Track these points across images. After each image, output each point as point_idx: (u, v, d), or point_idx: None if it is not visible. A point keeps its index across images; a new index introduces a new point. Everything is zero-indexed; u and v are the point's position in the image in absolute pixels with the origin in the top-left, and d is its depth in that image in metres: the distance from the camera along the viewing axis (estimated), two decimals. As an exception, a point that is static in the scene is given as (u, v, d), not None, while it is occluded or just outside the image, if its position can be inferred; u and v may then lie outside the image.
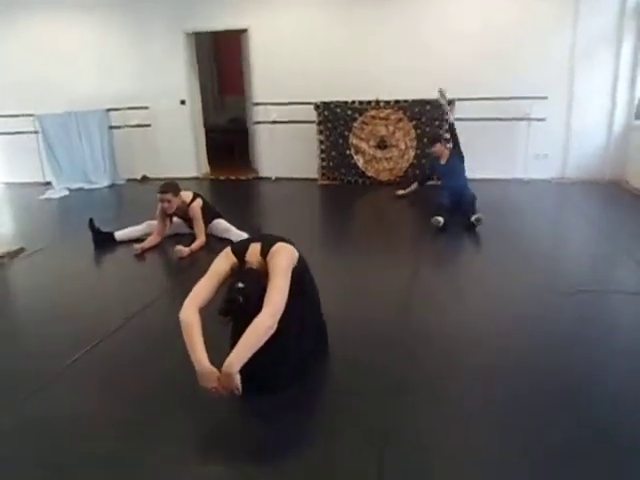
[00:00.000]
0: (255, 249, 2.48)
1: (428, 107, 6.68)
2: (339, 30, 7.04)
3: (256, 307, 2.24)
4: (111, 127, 7.86)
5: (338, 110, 6.97)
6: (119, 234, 4.90)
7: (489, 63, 6.65)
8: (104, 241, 4.83)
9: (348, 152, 7.09)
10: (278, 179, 7.60)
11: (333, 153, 7.16)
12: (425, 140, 6.70)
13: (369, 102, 6.88)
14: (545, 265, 3.98)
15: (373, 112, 6.88)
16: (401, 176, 6.96)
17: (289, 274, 2.37)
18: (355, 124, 6.96)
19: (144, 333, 3.09)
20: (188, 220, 4.83)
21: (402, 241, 4.86)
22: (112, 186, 7.85)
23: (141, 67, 7.66)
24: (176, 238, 4.80)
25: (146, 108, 7.70)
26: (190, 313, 2.30)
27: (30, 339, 3.10)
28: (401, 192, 6.20)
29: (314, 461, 1.98)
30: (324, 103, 7.00)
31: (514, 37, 6.55)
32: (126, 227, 4.93)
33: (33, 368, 2.68)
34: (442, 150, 5.66)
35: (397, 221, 5.63)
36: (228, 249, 2.55)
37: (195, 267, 4.13)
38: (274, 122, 7.34)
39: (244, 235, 4.57)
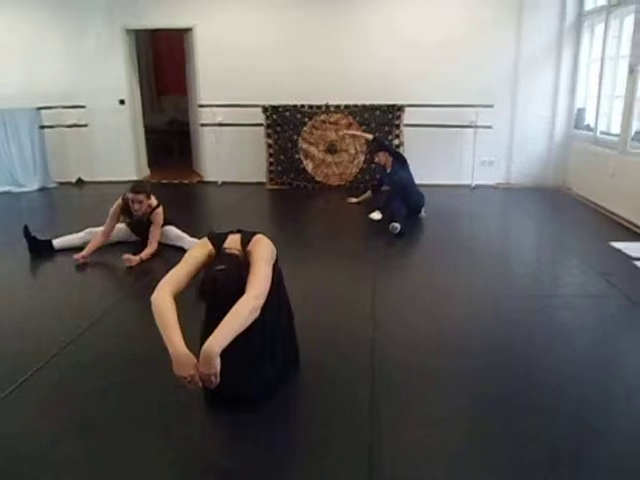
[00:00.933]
0: (234, 239, 2.38)
1: (377, 112, 6.69)
2: (288, 33, 6.92)
3: (235, 294, 2.11)
4: (42, 127, 7.33)
5: (287, 114, 6.84)
6: (57, 242, 4.52)
7: (437, 71, 6.74)
8: (41, 250, 4.45)
9: (297, 156, 6.97)
10: (224, 183, 7.34)
11: (282, 157, 7.01)
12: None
13: (319, 106, 6.79)
14: (497, 269, 4.05)
15: (323, 116, 6.80)
16: (351, 181, 6.93)
17: (271, 265, 2.28)
18: (305, 128, 6.86)
19: (96, 350, 2.83)
20: (142, 225, 4.55)
21: (356, 246, 4.80)
22: (43, 190, 7.31)
23: (76, 64, 7.21)
24: (120, 246, 4.50)
25: (82, 107, 7.25)
26: (164, 294, 2.14)
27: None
28: (354, 200, 6.14)
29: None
30: (272, 106, 6.84)
31: (462, 47, 6.66)
32: (62, 234, 4.55)
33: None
34: (386, 159, 5.65)
35: (349, 226, 5.58)
36: (204, 238, 2.42)
37: (146, 278, 3.88)
38: (220, 124, 7.09)
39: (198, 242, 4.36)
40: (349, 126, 6.77)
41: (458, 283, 3.77)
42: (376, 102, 6.66)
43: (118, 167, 7.49)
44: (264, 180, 7.14)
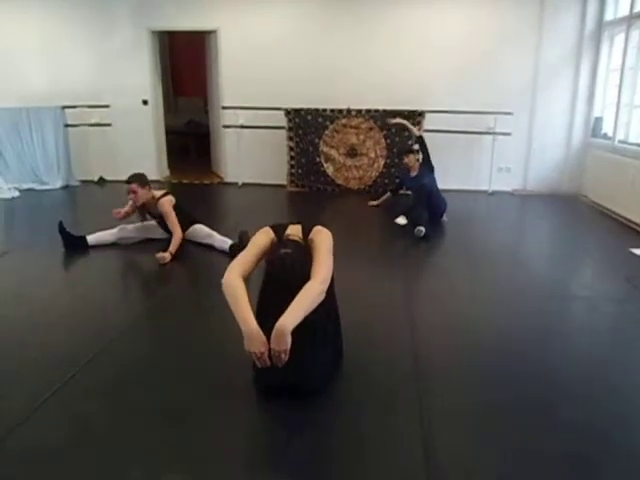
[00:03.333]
0: (296, 228, 2.53)
1: (398, 118, 6.80)
2: (312, 37, 7.05)
3: (298, 276, 2.24)
4: (67, 125, 7.46)
5: (309, 117, 6.95)
6: (91, 238, 4.64)
7: (458, 78, 6.87)
8: (76, 246, 4.56)
9: (318, 159, 7.08)
10: (245, 185, 7.46)
11: (303, 160, 7.13)
12: (395, 150, 6.83)
13: (340, 110, 6.90)
14: (520, 272, 4.20)
15: (344, 120, 6.91)
16: (370, 185, 7.03)
17: (332, 254, 2.41)
18: (326, 132, 6.97)
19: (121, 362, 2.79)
20: (160, 218, 4.64)
21: (380, 247, 4.94)
22: (66, 187, 7.42)
23: (101, 64, 7.35)
24: (153, 244, 4.62)
25: (106, 107, 7.36)
26: (234, 276, 2.28)
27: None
28: (374, 203, 6.24)
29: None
30: (295, 110, 6.96)
31: (483, 54, 6.80)
32: (86, 231, 4.63)
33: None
34: (414, 162, 5.74)
35: (371, 228, 5.69)
36: (266, 227, 2.56)
37: (177, 277, 4.01)
38: (242, 127, 7.21)
39: (227, 240, 4.48)
40: (370, 130, 6.89)
41: (484, 285, 3.88)
42: (397, 107, 6.78)
43: (139, 167, 7.32)
44: (284, 182, 7.25)
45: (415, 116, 6.76)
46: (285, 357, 2.12)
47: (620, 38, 6.24)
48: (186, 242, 4.64)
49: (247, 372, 2.42)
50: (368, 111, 6.86)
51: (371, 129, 6.89)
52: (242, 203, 6.83)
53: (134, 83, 7.37)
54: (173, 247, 4.37)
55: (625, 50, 5.91)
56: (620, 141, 6.00)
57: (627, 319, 3.37)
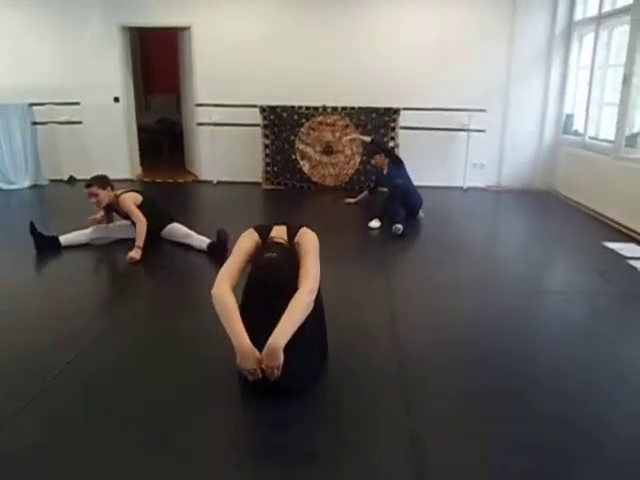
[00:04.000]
0: (280, 229, 2.49)
1: (374, 115, 6.82)
2: (287, 34, 7.00)
3: (284, 280, 2.23)
4: (35, 123, 7.25)
5: (285, 114, 6.92)
6: (64, 238, 4.50)
7: (433, 76, 6.92)
8: (48, 247, 4.42)
9: (294, 157, 7.05)
10: (220, 183, 7.38)
11: (278, 157, 7.08)
12: (371, 147, 6.83)
13: (316, 108, 6.89)
14: (495, 267, 4.27)
15: (320, 118, 6.90)
16: (347, 182, 7.04)
17: (318, 259, 2.39)
18: (302, 129, 6.94)
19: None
20: (128, 217, 4.53)
21: (356, 246, 4.91)
22: (34, 187, 7.22)
23: (71, 60, 7.16)
24: (128, 244, 4.51)
25: (77, 104, 7.17)
26: (225, 288, 2.24)
27: None
28: (351, 200, 6.25)
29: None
30: (270, 107, 6.91)
31: (456, 53, 6.87)
32: (57, 232, 4.48)
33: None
34: (382, 161, 5.80)
35: (349, 227, 5.67)
36: (250, 229, 2.52)
37: (155, 277, 3.93)
38: (216, 124, 7.12)
39: (205, 240, 4.42)
40: (346, 127, 6.89)
41: (461, 280, 3.91)
42: (373, 105, 6.80)
43: (111, 165, 7.32)
44: (260, 180, 7.20)
45: (391, 114, 6.81)
46: (278, 372, 2.11)
47: (589, 37, 6.38)
48: (163, 241, 4.59)
49: (230, 371, 2.38)
50: (344, 108, 6.86)
51: (347, 126, 6.88)
52: (218, 201, 6.75)
53: (105, 80, 7.21)
54: (139, 240, 4.28)
55: (595, 49, 6.04)
56: (591, 137, 6.14)
57: (600, 313, 3.44)
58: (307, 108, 6.90)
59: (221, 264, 4.24)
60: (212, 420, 2.19)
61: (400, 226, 4.91)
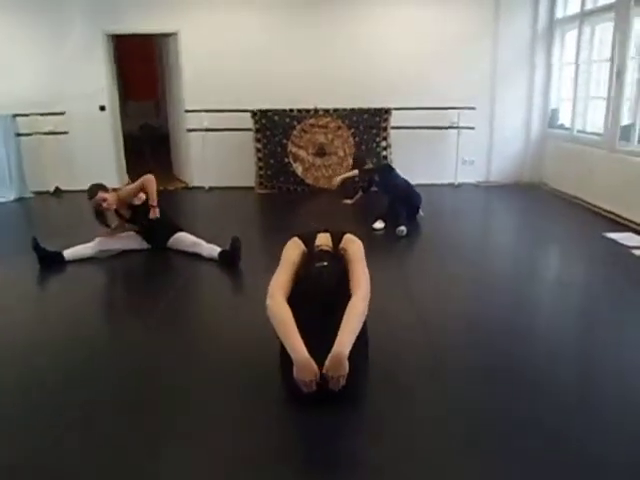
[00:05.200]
0: (324, 237, 2.51)
1: (365, 116, 6.88)
2: (276, 38, 7.00)
3: (335, 289, 2.25)
4: (19, 134, 7.07)
5: (276, 118, 6.91)
6: (68, 253, 4.40)
7: (422, 76, 7.02)
8: (51, 262, 4.33)
9: (287, 160, 7.05)
10: (212, 189, 7.33)
11: (271, 161, 7.07)
12: (363, 147, 6.91)
13: (308, 110, 6.91)
14: (504, 261, 4.42)
15: (312, 120, 6.92)
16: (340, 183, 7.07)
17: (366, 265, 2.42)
18: (294, 132, 6.95)
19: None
20: (144, 219, 4.51)
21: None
22: (20, 200, 7.03)
23: (55, 69, 7.01)
24: (133, 257, 4.49)
25: (61, 114, 7.02)
26: (280, 301, 2.24)
27: None
28: (348, 201, 6.28)
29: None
30: (261, 111, 6.89)
31: (444, 53, 6.99)
32: (51, 245, 4.36)
33: None
34: (371, 168, 5.96)
35: (349, 228, 5.68)
36: (294, 238, 2.52)
37: (166, 290, 3.90)
38: (207, 130, 7.07)
39: (216, 248, 4.38)
40: (338, 129, 6.94)
41: (471, 278, 3.96)
42: (364, 105, 6.85)
43: (98, 175, 7.02)
44: (253, 184, 7.17)
45: (382, 114, 6.88)
46: (343, 381, 2.12)
47: (571, 34, 6.57)
48: (169, 251, 4.54)
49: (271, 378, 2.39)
50: (336, 110, 6.90)
51: (339, 128, 6.92)
52: (211, 207, 6.71)
53: (90, 89, 7.06)
54: (152, 199, 4.47)
55: (579, 45, 6.22)
56: (579, 131, 6.32)
57: (617, 301, 3.57)
58: (299, 111, 6.91)
59: (234, 273, 4.27)
60: (253, 424, 2.18)
61: (404, 228, 4.99)
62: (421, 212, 5.64)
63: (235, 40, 6.97)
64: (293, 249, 2.45)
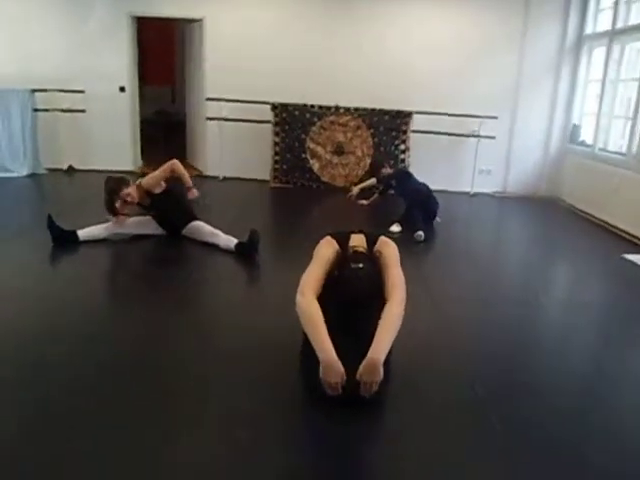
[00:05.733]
0: (359, 238, 2.46)
1: (386, 117, 6.83)
2: (301, 32, 6.95)
3: (370, 292, 2.22)
4: (36, 110, 7.01)
5: (297, 113, 6.86)
6: (82, 233, 4.36)
7: (446, 81, 6.98)
8: (65, 241, 4.28)
9: (304, 156, 7.00)
10: (226, 179, 7.28)
11: (288, 156, 7.02)
12: (382, 149, 6.87)
13: (329, 107, 6.86)
14: (524, 278, 4.37)
15: (332, 118, 6.87)
16: (356, 183, 7.00)
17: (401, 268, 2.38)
18: (313, 128, 6.90)
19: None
20: (166, 205, 4.51)
21: None
22: (32, 176, 6.98)
23: (77, 48, 6.95)
24: (147, 242, 4.47)
25: (81, 92, 6.96)
26: (310, 299, 2.20)
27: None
28: (364, 202, 6.22)
29: None
30: (282, 104, 6.84)
31: (469, 60, 6.95)
32: (64, 223, 4.31)
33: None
34: (388, 172, 5.94)
35: (363, 228, 5.66)
36: (328, 237, 2.47)
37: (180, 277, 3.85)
38: (226, 119, 7.01)
39: (233, 239, 4.33)
40: (357, 128, 6.89)
41: (484, 289, 3.95)
42: (386, 107, 6.81)
43: (113, 156, 7.26)
44: (267, 177, 7.12)
45: (403, 117, 6.83)
46: (376, 387, 2.08)
47: (599, 51, 6.53)
48: (185, 240, 4.50)
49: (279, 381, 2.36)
50: (357, 109, 6.85)
51: (359, 127, 6.88)
52: (225, 197, 6.64)
53: (111, 69, 7.02)
54: (187, 180, 4.63)
55: (607, 63, 6.17)
56: (600, 149, 6.27)
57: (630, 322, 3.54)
58: (319, 107, 6.86)
59: (251, 265, 4.23)
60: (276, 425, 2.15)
61: (422, 233, 4.96)
62: (438, 218, 5.60)
63: (261, 32, 6.92)
64: (327, 248, 2.40)
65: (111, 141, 7.25)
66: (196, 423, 2.13)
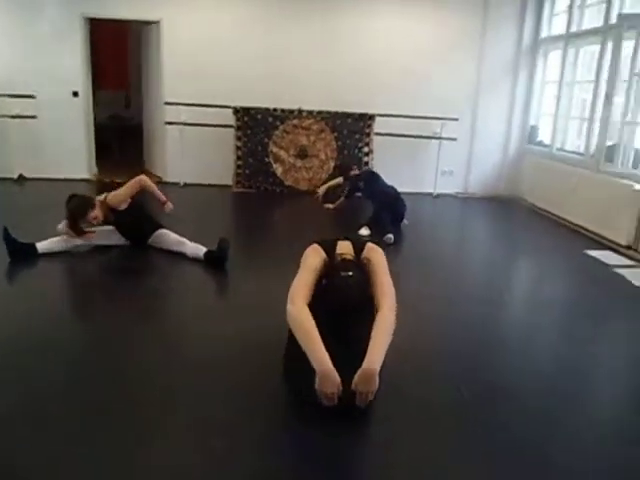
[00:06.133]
0: (345, 245, 2.42)
1: (349, 120, 6.83)
2: (264, 35, 6.85)
3: (359, 299, 2.19)
4: (-18, 116, 6.66)
5: (259, 116, 6.76)
6: (42, 245, 4.14)
7: (407, 84, 7.04)
8: (23, 254, 4.05)
9: (267, 160, 6.90)
10: (187, 185, 7.09)
11: (251, 160, 6.91)
12: (345, 152, 6.86)
13: (292, 111, 6.79)
14: (491, 277, 4.42)
15: (295, 121, 6.81)
16: (319, 186, 6.93)
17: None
18: (276, 132, 6.81)
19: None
20: (132, 220, 4.34)
21: None
22: (-21, 186, 6.64)
23: (27, 50, 6.62)
24: (111, 252, 4.29)
25: (32, 97, 6.63)
26: (301, 307, 2.15)
27: None
28: (330, 206, 6.18)
29: None
30: (244, 108, 6.73)
31: (430, 63, 7.04)
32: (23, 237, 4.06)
33: None
34: (356, 174, 5.95)
35: (329, 231, 5.63)
36: (315, 245, 2.43)
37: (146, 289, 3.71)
38: (185, 124, 6.83)
39: (201, 248, 4.20)
40: (321, 132, 6.85)
41: (451, 290, 3.95)
42: (348, 110, 6.80)
43: (66, 164, 6.98)
44: (230, 183, 6.99)
45: (366, 119, 6.84)
46: (371, 397, 2.04)
47: (554, 54, 6.72)
48: (150, 250, 4.33)
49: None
50: (320, 112, 6.81)
51: (322, 131, 6.84)
52: (186, 204, 6.40)
53: (64, 73, 6.73)
54: (159, 195, 4.52)
55: (563, 65, 6.35)
56: (558, 149, 6.45)
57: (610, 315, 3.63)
58: (282, 111, 6.79)
59: (219, 273, 4.11)
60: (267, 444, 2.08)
61: (391, 236, 4.95)
62: (405, 221, 5.62)
63: (220, 34, 6.79)
64: (314, 256, 2.35)
65: (64, 148, 6.95)
66: (164, 433, 2.08)
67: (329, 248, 2.38)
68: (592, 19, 6.02)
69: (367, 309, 2.23)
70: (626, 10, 5.28)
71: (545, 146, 6.78)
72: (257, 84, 6.84)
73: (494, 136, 7.23)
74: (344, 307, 2.19)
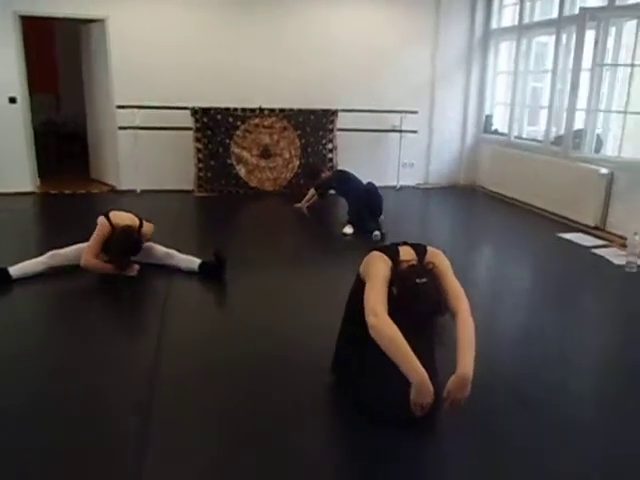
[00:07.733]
0: (408, 251, 2.36)
1: (312, 117, 6.73)
2: (219, 32, 6.61)
3: (431, 305, 2.16)
4: None
5: (219, 117, 6.50)
6: (15, 270, 3.76)
7: (366, 79, 7.04)
8: (-4, 281, 3.68)
9: (229, 161, 6.67)
10: (144, 192, 6.70)
11: (212, 162, 6.64)
12: (309, 149, 6.76)
13: (253, 110, 6.58)
14: (472, 265, 4.51)
15: (257, 120, 6.61)
16: (285, 186, 6.84)
17: None
18: (237, 132, 6.59)
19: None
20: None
21: (302, 252, 4.78)
22: None
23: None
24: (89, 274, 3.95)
25: (-36, 106, 6.02)
26: (385, 319, 2.07)
27: None
28: (298, 205, 6.01)
29: None
30: (203, 109, 6.45)
31: (387, 57, 7.09)
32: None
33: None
34: (328, 176, 5.91)
35: (297, 232, 5.57)
36: (377, 252, 2.34)
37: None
38: (140, 128, 6.43)
39: (194, 259, 3.99)
40: (284, 130, 6.70)
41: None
42: (310, 106, 6.69)
43: (6, 177, 6.40)
44: (191, 187, 6.68)
45: (328, 115, 6.77)
46: (463, 403, 2.04)
47: (505, 45, 6.95)
48: (142, 265, 4.04)
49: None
50: (282, 110, 6.66)
51: (285, 129, 6.70)
52: (146, 213, 6.01)
53: (-1, 77, 6.15)
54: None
55: (517, 56, 6.57)
56: (516, 137, 6.69)
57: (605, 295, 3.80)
58: (243, 110, 6.57)
59: (219, 287, 3.92)
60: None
61: (378, 233, 4.95)
62: (382, 217, 5.60)
63: (173, 32, 6.47)
64: (382, 264, 2.25)
65: (2, 160, 6.36)
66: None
67: (393, 255, 2.30)
68: (544, 11, 6.29)
69: (435, 314, 2.24)
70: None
71: (502, 134, 7.02)
72: (215, 84, 6.59)
73: (451, 127, 7.40)
74: (418, 312, 2.14)
